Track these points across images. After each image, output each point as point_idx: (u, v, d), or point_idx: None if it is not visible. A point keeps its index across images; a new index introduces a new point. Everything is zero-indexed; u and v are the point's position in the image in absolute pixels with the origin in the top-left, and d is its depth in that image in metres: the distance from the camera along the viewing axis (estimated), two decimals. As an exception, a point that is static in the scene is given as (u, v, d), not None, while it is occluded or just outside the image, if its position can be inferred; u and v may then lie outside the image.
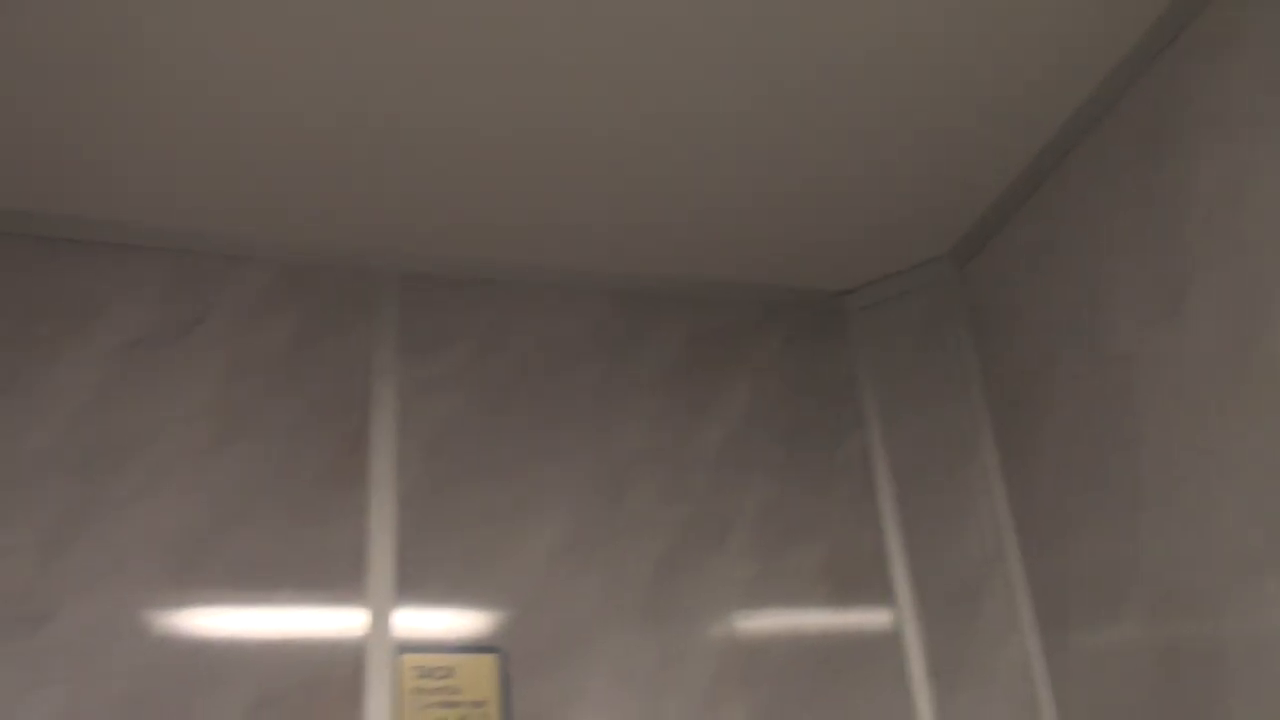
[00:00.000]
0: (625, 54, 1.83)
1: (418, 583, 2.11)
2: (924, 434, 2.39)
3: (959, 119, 2.03)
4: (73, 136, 1.97)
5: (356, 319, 2.30)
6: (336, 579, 2.08)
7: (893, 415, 2.45)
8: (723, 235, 2.35)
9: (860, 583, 2.32)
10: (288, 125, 1.96)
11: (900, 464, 2.41)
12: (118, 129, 1.95)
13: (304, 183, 2.12)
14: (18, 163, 2.03)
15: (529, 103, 1.93)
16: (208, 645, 1.98)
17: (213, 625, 2.00)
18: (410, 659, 2.04)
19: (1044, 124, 2.07)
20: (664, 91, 1.92)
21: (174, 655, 1.96)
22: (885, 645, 2.28)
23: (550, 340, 2.39)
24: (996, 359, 2.30)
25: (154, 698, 1.92)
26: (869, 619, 2.30)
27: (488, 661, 2.07)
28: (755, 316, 2.54)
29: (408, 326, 2.32)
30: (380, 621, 2.06)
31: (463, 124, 1.98)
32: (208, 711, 1.93)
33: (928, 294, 2.47)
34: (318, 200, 2.17)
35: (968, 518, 2.28)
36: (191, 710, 1.93)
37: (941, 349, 2.41)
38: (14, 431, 2.04)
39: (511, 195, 2.18)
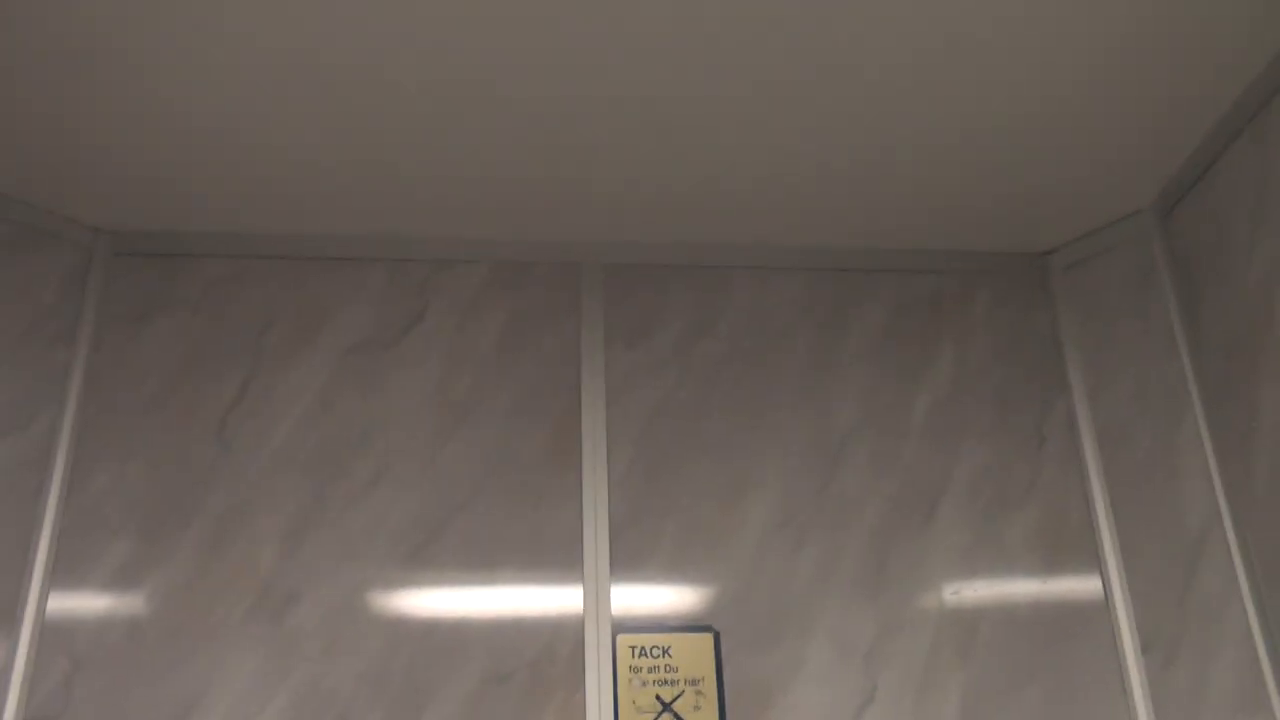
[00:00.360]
0: (829, 31, 1.84)
1: (633, 563, 2.17)
2: (1132, 395, 2.28)
3: (1154, 63, 1.94)
4: (298, 158, 2.12)
5: (564, 311, 2.38)
6: (556, 561, 2.16)
7: (1100, 376, 2.36)
8: (923, 202, 2.31)
9: (1070, 551, 2.25)
10: (491, 127, 2.05)
11: (1108, 427, 2.31)
12: (334, 147, 2.09)
13: (509, 183, 2.21)
14: (249, 187, 2.21)
15: (729, 84, 1.95)
16: (439, 625, 2.10)
17: (442, 606, 2.11)
18: (627, 638, 2.09)
19: (1248, 63, 1.95)
20: (863, 68, 1.91)
21: (408, 635, 2.08)
22: (1097, 615, 2.20)
23: (756, 319, 2.41)
24: (1206, 313, 2.17)
25: (391, 674, 2.05)
26: (1080, 588, 2.22)
27: (703, 640, 2.10)
28: (958, 282, 2.49)
29: (614, 315, 2.38)
30: (598, 602, 2.13)
31: (666, 111, 2.01)
32: (442, 687, 2.05)
33: (1132, 249, 2.36)
34: (523, 199, 2.26)
35: (1179, 481, 2.16)
36: (427, 686, 2.05)
37: (1148, 305, 2.30)
38: (255, 434, 2.21)
39: (710, 177, 2.20)
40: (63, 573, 2.08)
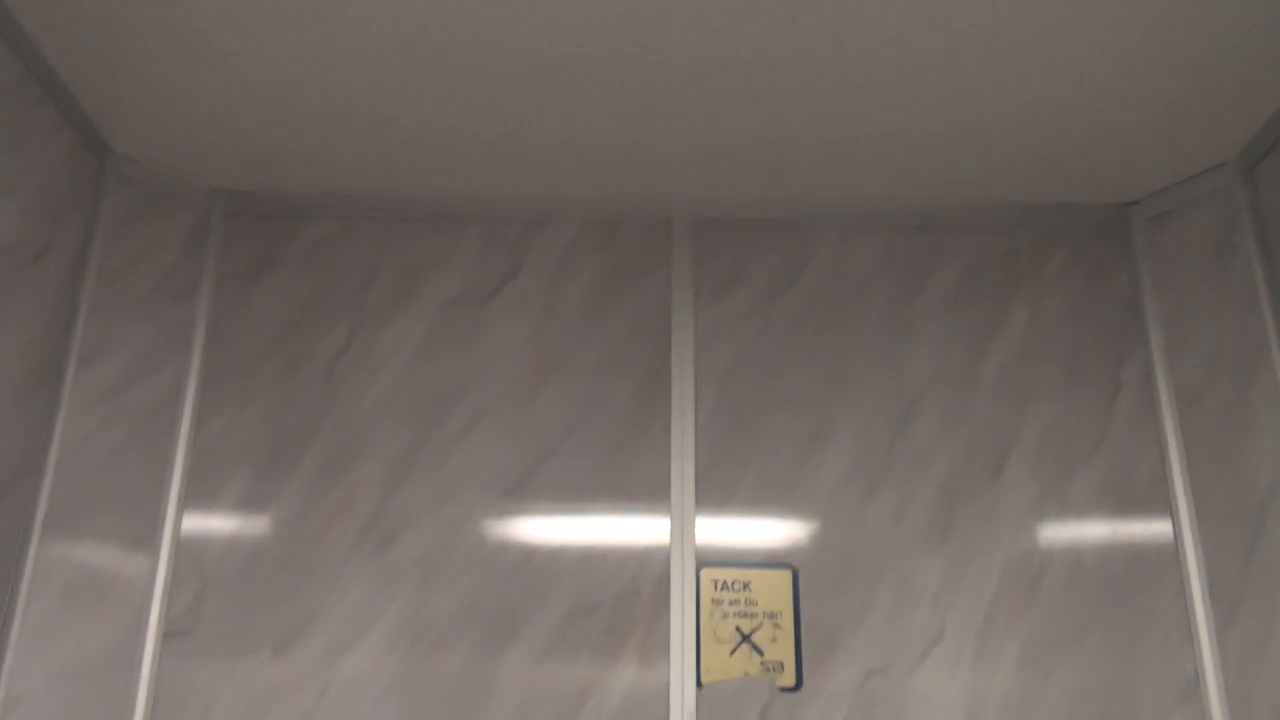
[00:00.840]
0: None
1: (717, 504, 2.28)
2: (1209, 352, 2.29)
3: (1243, 12, 1.95)
4: (398, 123, 2.25)
5: (653, 266, 2.48)
6: (642, 504, 2.28)
7: (1177, 332, 2.37)
8: (1004, 153, 2.32)
9: (1140, 506, 2.28)
10: (583, 89, 2.15)
11: (1183, 384, 2.33)
12: (434, 113, 2.21)
13: (601, 141, 2.30)
14: (353, 150, 2.35)
15: (812, 42, 1.99)
16: (530, 561, 2.23)
17: (534, 544, 2.25)
18: (710, 573, 2.21)
19: (1341, 15, 1.95)
20: (943, 21, 1.94)
21: (502, 569, 2.22)
22: (1164, 570, 2.23)
23: (837, 274, 2.48)
24: (1290, 268, 2.18)
25: (486, 605, 2.20)
26: (1149, 543, 2.25)
27: (783, 576, 2.21)
28: (1038, 235, 2.51)
29: (701, 269, 2.48)
30: (682, 540, 2.24)
31: (752, 71, 2.06)
32: (532, 616, 2.19)
33: (1215, 203, 2.36)
34: (615, 156, 2.35)
35: (1253, 439, 2.17)
36: (519, 615, 2.19)
37: (1228, 261, 2.30)
38: (359, 382, 2.37)
39: (794, 134, 2.26)
40: (192, 504, 2.27)
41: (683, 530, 2.25)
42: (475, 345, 2.41)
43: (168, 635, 2.17)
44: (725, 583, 2.20)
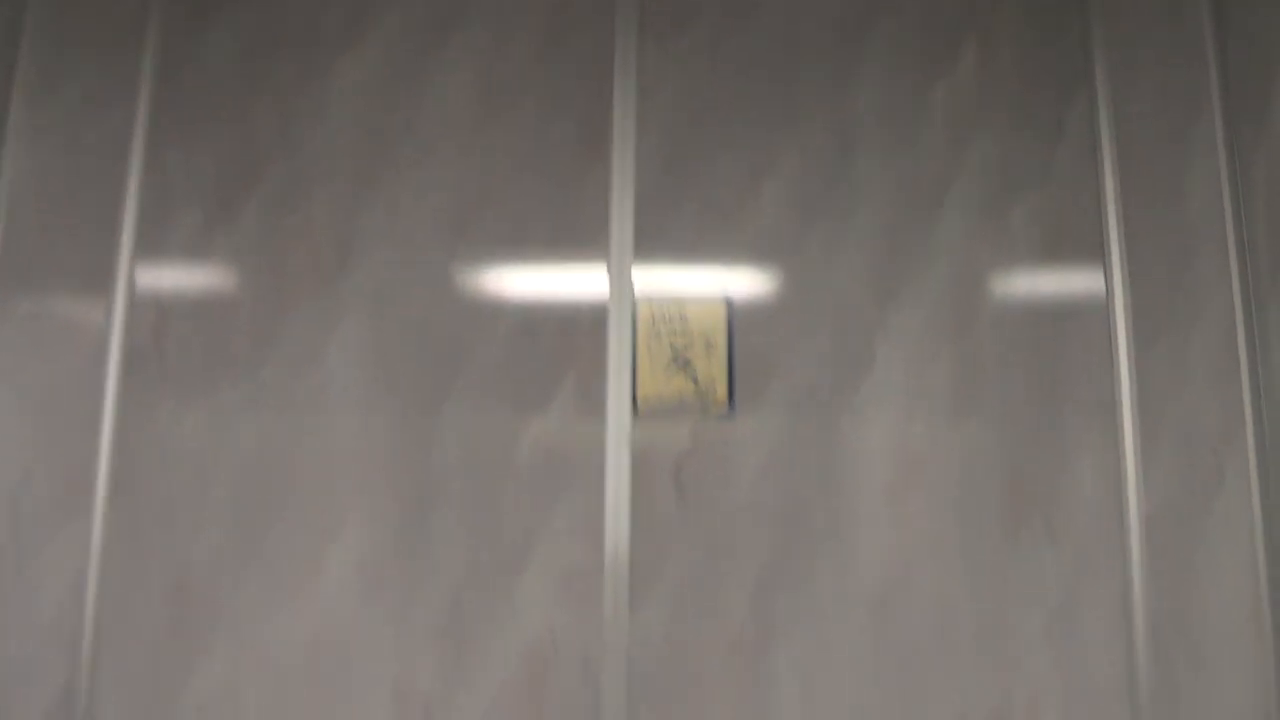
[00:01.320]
0: None
1: (656, 239, 2.32)
2: (1153, 94, 2.31)
3: None
4: None
5: (599, 9, 2.44)
6: (585, 234, 2.32)
7: (1122, 76, 2.37)
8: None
9: (1075, 241, 2.33)
10: None
11: (1125, 123, 2.35)
12: None
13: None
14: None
15: None
16: (478, 288, 2.29)
17: (481, 274, 2.30)
18: (647, 305, 2.26)
19: None
20: None
21: (451, 296, 2.29)
22: (1092, 305, 2.30)
23: (787, 14, 2.45)
24: (1235, 18, 2.18)
25: (438, 327, 2.28)
26: (1080, 279, 2.31)
27: (717, 305, 2.26)
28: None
29: (647, 12, 2.44)
30: (621, 272, 2.29)
31: None
32: (481, 338, 2.27)
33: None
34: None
35: (1189, 176, 2.23)
36: (468, 338, 2.27)
37: (1178, 6, 2.30)
38: (311, 116, 2.37)
39: None
40: (147, 239, 2.30)
41: (620, 264, 2.29)
42: (424, 83, 2.40)
43: (129, 364, 2.24)
44: (662, 313, 2.26)
